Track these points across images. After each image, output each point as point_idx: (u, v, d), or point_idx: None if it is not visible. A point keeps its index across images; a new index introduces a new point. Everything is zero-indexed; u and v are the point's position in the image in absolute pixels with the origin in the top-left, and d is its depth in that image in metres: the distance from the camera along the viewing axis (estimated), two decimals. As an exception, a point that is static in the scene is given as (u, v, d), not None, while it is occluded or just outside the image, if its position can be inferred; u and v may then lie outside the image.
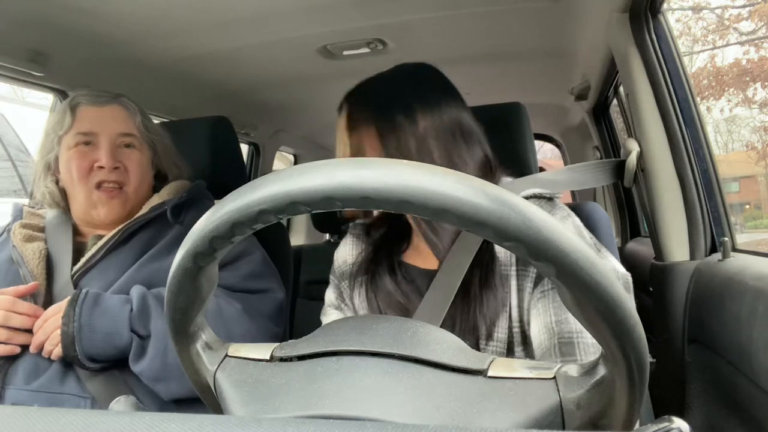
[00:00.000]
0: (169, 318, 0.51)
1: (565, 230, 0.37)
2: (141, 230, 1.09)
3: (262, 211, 0.40)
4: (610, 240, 1.04)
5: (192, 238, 0.44)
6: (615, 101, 1.80)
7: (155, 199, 1.13)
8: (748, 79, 7.42)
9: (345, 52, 1.52)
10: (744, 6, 7.28)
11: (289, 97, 2.01)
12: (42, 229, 1.12)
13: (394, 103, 0.83)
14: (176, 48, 1.42)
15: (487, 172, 0.86)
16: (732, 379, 0.82)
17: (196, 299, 0.50)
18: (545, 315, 0.74)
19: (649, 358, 0.42)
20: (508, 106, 1.17)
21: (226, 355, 0.53)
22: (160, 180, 1.20)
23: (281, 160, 2.81)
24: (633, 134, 1.15)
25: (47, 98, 1.53)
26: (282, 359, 0.49)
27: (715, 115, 7.90)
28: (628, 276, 0.75)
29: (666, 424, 0.39)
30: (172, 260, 0.47)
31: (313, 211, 0.40)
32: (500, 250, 0.82)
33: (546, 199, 0.84)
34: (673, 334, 1.05)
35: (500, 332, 0.78)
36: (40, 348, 0.94)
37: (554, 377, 0.43)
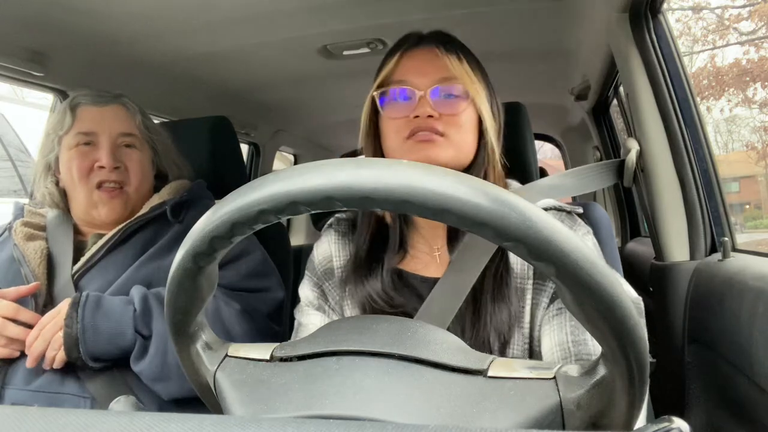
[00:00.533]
0: (169, 318, 0.51)
1: (565, 230, 0.37)
2: (141, 230, 1.09)
3: (262, 211, 0.40)
4: (610, 240, 1.04)
5: (192, 238, 0.44)
6: (615, 101, 1.80)
7: (155, 199, 1.14)
8: (748, 79, 7.42)
9: (345, 52, 1.52)
10: (744, 6, 7.28)
11: (289, 97, 2.01)
12: (43, 228, 1.12)
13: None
14: (176, 48, 1.42)
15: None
16: (732, 379, 0.82)
17: (196, 299, 0.50)
18: (560, 333, 0.71)
19: (649, 358, 0.42)
20: (508, 105, 1.16)
21: (226, 355, 0.53)
22: (160, 180, 1.20)
23: (281, 160, 2.81)
24: (633, 134, 1.15)
25: (47, 98, 1.53)
26: (282, 359, 0.49)
27: (715, 115, 7.91)
28: (640, 301, 0.72)
29: (666, 424, 0.39)
30: (171, 259, 0.47)
31: (313, 211, 0.40)
32: (516, 261, 0.78)
33: (566, 213, 0.81)
34: (673, 334, 1.05)
35: (515, 349, 0.75)
36: (40, 357, 0.93)
37: (554, 377, 0.43)
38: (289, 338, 0.79)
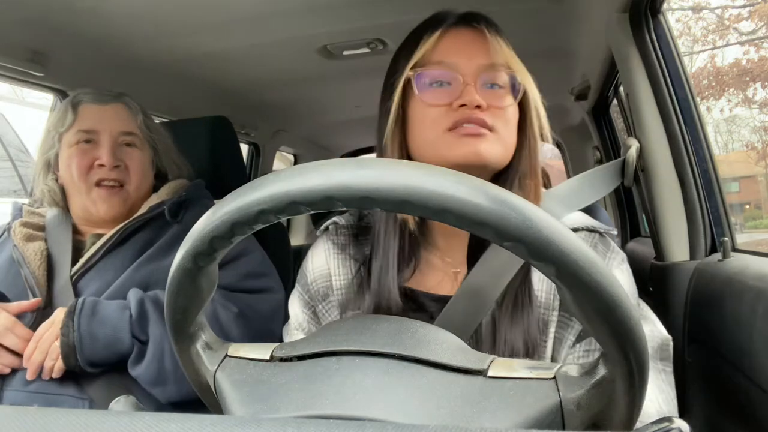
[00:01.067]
0: (169, 318, 0.51)
1: (565, 230, 0.37)
2: (139, 230, 1.09)
3: (262, 211, 0.40)
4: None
5: (192, 238, 0.44)
6: (615, 101, 1.80)
7: (154, 199, 1.13)
8: (748, 79, 7.43)
9: (345, 52, 1.52)
10: (744, 6, 7.28)
11: (289, 97, 2.01)
12: (42, 228, 1.12)
13: None
14: (176, 48, 1.42)
15: None
16: (732, 379, 0.82)
17: (196, 299, 0.50)
18: None
19: (649, 358, 0.42)
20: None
21: (226, 355, 0.53)
22: (160, 180, 1.20)
23: (281, 160, 2.81)
24: (633, 134, 1.15)
25: (47, 98, 1.53)
26: (282, 359, 0.49)
27: (715, 115, 7.91)
28: (669, 340, 0.68)
29: (666, 424, 0.39)
30: (170, 260, 0.47)
31: (313, 211, 0.40)
32: (541, 289, 0.69)
33: (599, 236, 0.72)
34: (673, 334, 1.05)
35: None
36: (39, 369, 0.93)
37: (554, 377, 0.43)
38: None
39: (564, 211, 0.77)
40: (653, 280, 1.16)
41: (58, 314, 0.95)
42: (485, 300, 0.68)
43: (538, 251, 0.37)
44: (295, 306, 0.82)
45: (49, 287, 1.03)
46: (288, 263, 1.44)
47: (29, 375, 0.93)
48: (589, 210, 0.82)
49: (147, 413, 0.32)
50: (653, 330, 0.69)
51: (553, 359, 0.68)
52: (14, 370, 0.96)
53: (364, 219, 0.81)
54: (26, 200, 1.24)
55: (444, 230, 0.75)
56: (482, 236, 0.38)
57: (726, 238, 0.97)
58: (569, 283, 0.38)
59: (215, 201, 1.04)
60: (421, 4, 1.28)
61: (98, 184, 1.08)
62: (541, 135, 0.75)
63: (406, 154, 0.74)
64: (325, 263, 0.79)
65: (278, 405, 0.44)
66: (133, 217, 1.09)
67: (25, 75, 1.30)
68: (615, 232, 0.74)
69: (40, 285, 1.02)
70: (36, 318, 0.99)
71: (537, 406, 0.42)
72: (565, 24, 1.39)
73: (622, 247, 1.94)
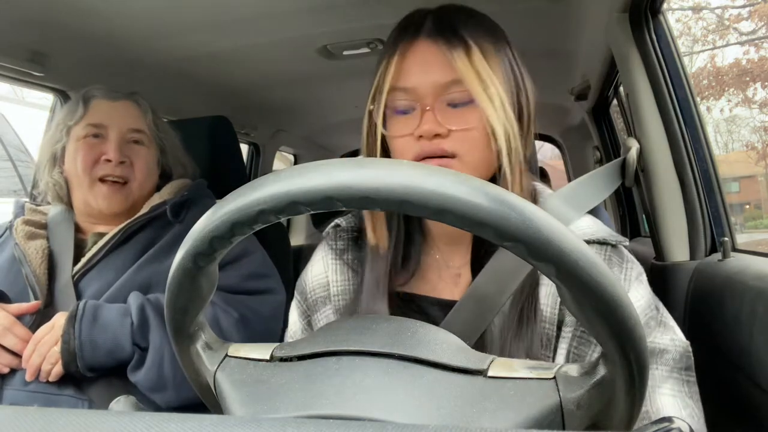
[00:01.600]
0: (169, 318, 0.51)
1: (565, 230, 0.37)
2: (141, 230, 1.09)
3: (262, 211, 0.40)
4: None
5: (192, 238, 0.44)
6: (615, 101, 1.80)
7: (156, 198, 1.13)
8: (748, 79, 7.42)
9: (345, 52, 1.52)
10: (744, 6, 7.28)
11: (289, 97, 2.01)
12: (44, 226, 1.12)
13: None
14: (176, 48, 1.42)
15: None
16: (732, 379, 0.82)
17: (196, 299, 0.49)
18: None
19: (649, 358, 0.42)
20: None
21: (226, 355, 0.53)
22: (165, 179, 1.20)
23: (281, 160, 2.81)
24: (633, 134, 1.15)
25: (47, 98, 1.53)
26: (282, 359, 0.49)
27: (715, 115, 7.90)
28: (689, 346, 0.66)
29: (666, 424, 0.39)
30: (172, 261, 0.47)
31: (313, 211, 0.40)
32: (547, 304, 0.67)
33: (611, 247, 0.69)
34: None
35: None
36: (38, 371, 0.93)
37: (554, 377, 0.43)
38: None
39: (573, 214, 0.74)
40: (653, 280, 1.15)
41: (59, 319, 0.94)
42: (491, 306, 0.66)
43: (537, 251, 0.37)
44: (294, 314, 0.81)
45: (50, 286, 1.03)
46: (288, 263, 1.44)
47: (28, 376, 0.93)
48: (590, 211, 0.81)
49: (147, 413, 0.32)
50: (674, 339, 0.66)
51: None
52: (14, 370, 0.96)
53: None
54: (26, 200, 1.24)
55: (445, 232, 0.74)
56: (482, 236, 0.38)
57: (726, 238, 0.97)
58: (569, 283, 0.38)
59: (216, 201, 1.04)
60: (421, 5, 1.28)
61: (102, 179, 1.08)
62: (527, 135, 0.69)
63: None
64: (323, 271, 0.78)
65: (278, 405, 0.44)
66: (135, 216, 1.09)
67: (25, 75, 1.30)
68: (626, 243, 0.70)
69: (41, 284, 1.01)
70: (36, 318, 0.99)
71: (537, 406, 0.42)
72: (565, 24, 1.39)
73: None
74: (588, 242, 0.67)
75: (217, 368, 0.52)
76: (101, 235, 1.08)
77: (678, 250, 1.07)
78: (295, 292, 0.82)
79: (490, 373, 0.44)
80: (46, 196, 1.16)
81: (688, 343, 0.67)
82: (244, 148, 2.36)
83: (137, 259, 1.05)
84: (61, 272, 1.05)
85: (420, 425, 0.31)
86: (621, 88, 1.57)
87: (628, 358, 0.40)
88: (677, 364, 0.65)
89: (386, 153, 0.71)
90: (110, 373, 0.97)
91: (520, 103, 0.69)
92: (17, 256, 1.04)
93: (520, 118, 0.68)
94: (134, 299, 0.99)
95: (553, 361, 0.65)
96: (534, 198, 0.76)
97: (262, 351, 0.51)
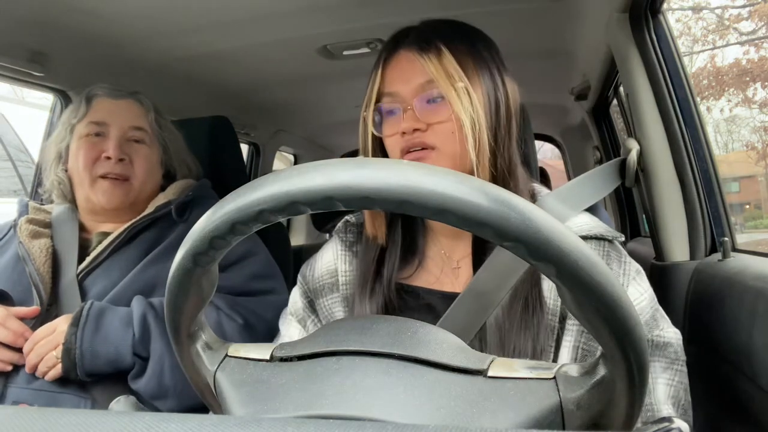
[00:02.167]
0: (169, 318, 0.51)
1: (565, 230, 0.37)
2: (146, 230, 1.09)
3: (262, 211, 0.40)
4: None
5: (192, 238, 0.44)
6: (615, 101, 1.80)
7: (160, 198, 1.14)
8: (748, 79, 7.42)
9: (345, 52, 1.52)
10: (744, 6, 7.28)
11: (289, 97, 2.01)
12: (48, 225, 1.12)
13: None
14: (176, 48, 1.42)
15: None
16: (732, 379, 0.82)
17: (196, 299, 0.49)
18: None
19: (649, 358, 0.42)
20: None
21: (226, 355, 0.53)
22: (170, 180, 1.21)
23: (281, 160, 2.81)
24: (633, 134, 1.15)
25: (47, 98, 1.53)
26: (282, 359, 0.49)
27: (715, 115, 7.90)
28: (679, 337, 0.69)
29: (666, 424, 0.39)
30: (175, 261, 0.47)
31: (313, 211, 0.40)
32: (550, 297, 0.69)
33: (608, 242, 0.72)
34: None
35: None
36: (35, 369, 0.93)
37: (554, 377, 0.43)
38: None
39: (568, 212, 0.77)
40: (653, 280, 1.15)
41: (61, 324, 0.94)
42: (491, 300, 0.69)
43: (537, 251, 0.37)
44: (296, 294, 0.85)
45: (54, 285, 1.03)
46: (288, 263, 1.44)
47: (27, 369, 0.94)
48: (589, 209, 0.82)
49: (147, 413, 0.32)
50: (676, 331, 0.70)
51: None
52: (17, 368, 0.96)
53: None
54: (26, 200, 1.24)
55: (446, 226, 0.75)
56: (482, 236, 0.38)
57: (726, 238, 0.97)
58: (569, 283, 0.38)
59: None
60: (421, 4, 1.28)
61: (103, 177, 1.08)
62: (508, 130, 0.74)
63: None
64: (332, 260, 0.82)
65: (278, 405, 0.44)
66: (140, 216, 1.09)
67: (25, 75, 1.30)
68: (622, 238, 0.74)
69: (45, 282, 1.01)
70: (40, 315, 0.99)
71: (537, 406, 0.42)
72: (565, 24, 1.39)
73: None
74: (585, 238, 0.70)
75: (217, 368, 0.52)
76: (106, 234, 1.09)
77: (678, 250, 1.07)
78: (298, 276, 0.85)
79: (490, 373, 0.44)
80: (52, 195, 1.16)
81: (680, 332, 0.71)
82: (244, 148, 2.36)
83: (142, 259, 1.06)
84: (65, 271, 1.05)
85: (420, 425, 0.31)
86: (621, 88, 1.57)
87: (628, 358, 0.40)
88: (678, 356, 0.68)
89: (384, 153, 0.78)
90: (112, 375, 0.97)
91: (497, 99, 0.74)
92: (21, 255, 1.04)
93: (497, 113, 0.74)
94: (137, 307, 0.98)
95: (558, 353, 0.68)
96: (533, 198, 0.78)
97: (262, 351, 0.51)
